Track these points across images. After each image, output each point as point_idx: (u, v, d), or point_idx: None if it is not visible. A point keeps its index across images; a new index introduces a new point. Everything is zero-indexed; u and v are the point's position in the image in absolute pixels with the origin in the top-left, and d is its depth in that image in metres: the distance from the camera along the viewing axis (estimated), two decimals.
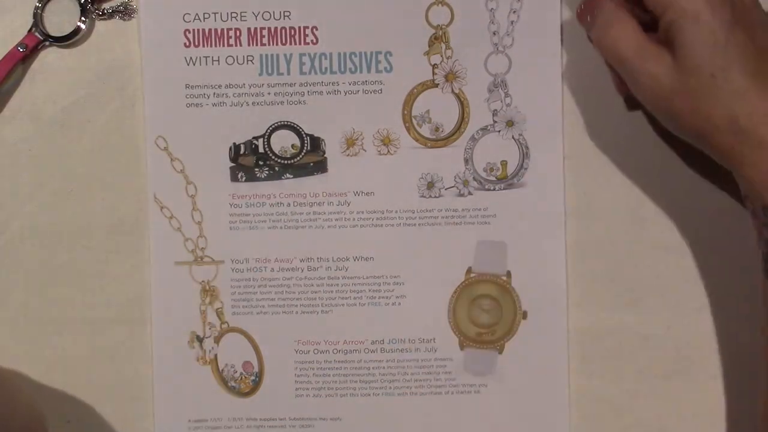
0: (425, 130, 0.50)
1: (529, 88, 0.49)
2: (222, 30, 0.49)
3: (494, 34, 0.49)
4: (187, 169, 0.50)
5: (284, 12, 0.49)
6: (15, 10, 0.50)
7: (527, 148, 0.49)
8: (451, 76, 0.49)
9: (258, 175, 0.50)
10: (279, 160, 0.50)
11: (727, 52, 0.41)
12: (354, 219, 0.50)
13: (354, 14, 0.49)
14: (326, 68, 0.49)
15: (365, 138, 0.49)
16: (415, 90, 0.49)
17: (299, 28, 0.49)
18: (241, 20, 0.49)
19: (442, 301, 0.50)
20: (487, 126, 0.50)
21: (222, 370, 0.50)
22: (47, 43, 0.49)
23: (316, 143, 0.50)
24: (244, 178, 0.50)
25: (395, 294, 0.50)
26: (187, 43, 0.49)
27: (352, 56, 0.49)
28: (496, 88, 0.49)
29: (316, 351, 0.50)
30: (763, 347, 0.45)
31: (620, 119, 0.49)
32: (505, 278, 0.50)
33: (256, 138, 0.50)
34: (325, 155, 0.50)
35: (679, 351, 0.50)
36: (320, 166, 0.50)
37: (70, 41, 0.50)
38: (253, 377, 0.50)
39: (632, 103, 0.49)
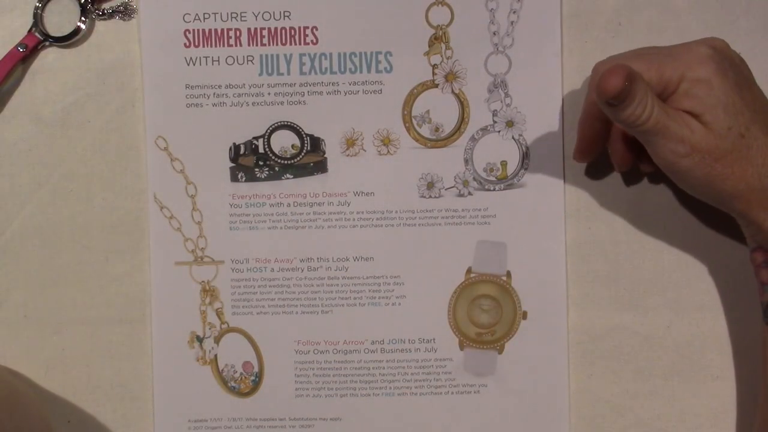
0: (425, 131, 0.50)
1: (529, 88, 0.49)
2: (222, 30, 0.49)
3: (494, 34, 0.49)
4: (187, 169, 0.50)
5: (284, 12, 0.49)
6: (15, 10, 0.50)
7: (527, 148, 0.49)
8: (451, 76, 0.49)
9: (258, 175, 0.50)
10: (279, 161, 0.50)
11: (744, 111, 0.41)
12: (354, 219, 0.50)
13: (354, 14, 0.49)
14: (326, 68, 0.49)
15: (365, 138, 0.49)
16: (415, 90, 0.49)
17: (299, 28, 0.49)
18: (241, 20, 0.49)
19: (442, 301, 0.50)
20: (487, 126, 0.49)
21: (222, 370, 0.50)
22: (47, 43, 0.49)
23: (316, 143, 0.50)
24: (244, 179, 0.50)
25: (395, 294, 0.50)
26: (187, 43, 0.49)
27: (352, 56, 0.49)
28: (496, 88, 0.49)
29: (316, 351, 0.50)
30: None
31: None
32: (505, 278, 0.50)
33: (256, 138, 0.50)
34: (325, 155, 0.50)
35: (679, 351, 0.50)
36: (320, 166, 0.50)
37: (70, 41, 0.49)
38: (253, 377, 0.50)
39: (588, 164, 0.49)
